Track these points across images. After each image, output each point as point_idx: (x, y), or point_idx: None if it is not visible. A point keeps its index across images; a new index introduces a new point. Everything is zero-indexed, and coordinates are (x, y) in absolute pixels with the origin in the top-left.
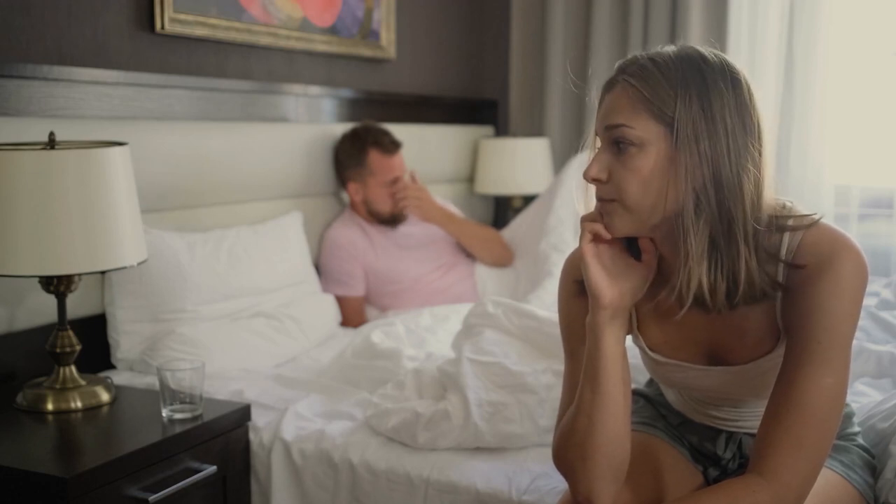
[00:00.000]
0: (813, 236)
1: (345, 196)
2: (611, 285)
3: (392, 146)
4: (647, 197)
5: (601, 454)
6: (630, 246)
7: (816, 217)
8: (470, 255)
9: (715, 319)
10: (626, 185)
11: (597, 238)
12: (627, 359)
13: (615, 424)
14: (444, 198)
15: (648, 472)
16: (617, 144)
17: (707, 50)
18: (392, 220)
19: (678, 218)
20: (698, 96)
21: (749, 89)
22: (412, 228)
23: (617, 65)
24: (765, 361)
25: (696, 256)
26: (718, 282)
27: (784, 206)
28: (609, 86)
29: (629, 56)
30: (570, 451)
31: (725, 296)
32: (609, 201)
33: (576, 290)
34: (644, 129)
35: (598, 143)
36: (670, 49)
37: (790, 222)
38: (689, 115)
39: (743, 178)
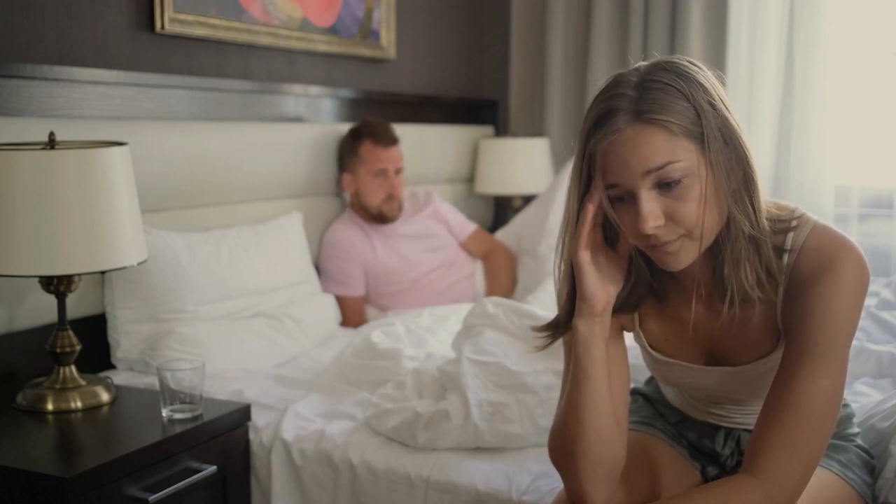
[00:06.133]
0: (815, 238)
1: (345, 196)
2: (604, 290)
3: (388, 139)
4: (711, 216)
5: (590, 454)
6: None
7: (801, 212)
8: (470, 256)
9: (716, 320)
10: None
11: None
12: (628, 359)
13: (604, 425)
14: (444, 198)
15: (644, 471)
16: (661, 184)
17: (663, 57)
18: (380, 216)
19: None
20: (705, 99)
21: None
22: (412, 228)
23: (607, 106)
24: (763, 363)
25: (745, 253)
26: (760, 273)
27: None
28: (618, 131)
29: (615, 91)
30: (559, 451)
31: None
32: (674, 240)
33: None
34: (688, 156)
35: (608, 192)
36: (647, 68)
37: (775, 210)
38: (709, 120)
39: (754, 160)
